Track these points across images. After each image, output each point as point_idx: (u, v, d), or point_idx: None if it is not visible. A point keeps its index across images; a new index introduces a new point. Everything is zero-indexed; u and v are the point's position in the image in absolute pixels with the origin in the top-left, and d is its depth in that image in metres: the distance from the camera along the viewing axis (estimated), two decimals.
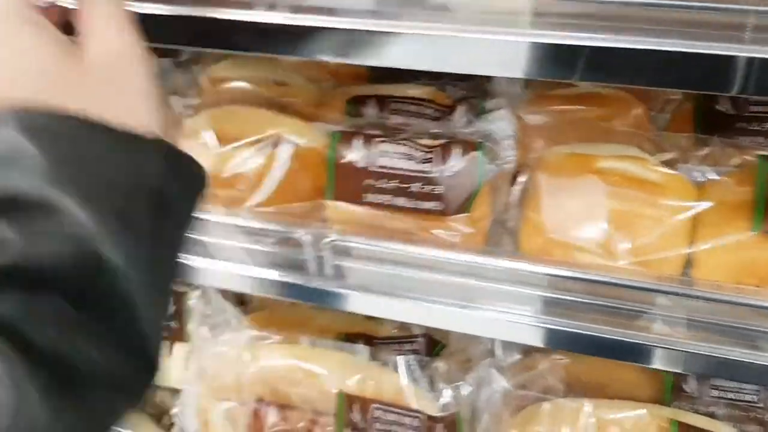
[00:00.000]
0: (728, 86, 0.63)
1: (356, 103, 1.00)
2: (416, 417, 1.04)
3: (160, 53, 1.07)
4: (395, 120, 0.96)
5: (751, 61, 0.61)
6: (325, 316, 1.25)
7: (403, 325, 1.19)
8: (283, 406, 1.14)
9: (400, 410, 1.05)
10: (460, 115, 0.96)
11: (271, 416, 1.15)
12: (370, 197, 0.89)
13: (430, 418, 1.04)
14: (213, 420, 1.18)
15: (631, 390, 1.03)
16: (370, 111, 0.98)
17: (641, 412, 0.97)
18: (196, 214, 0.56)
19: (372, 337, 1.17)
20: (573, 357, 1.06)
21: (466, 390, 1.05)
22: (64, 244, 0.45)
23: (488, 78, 1.01)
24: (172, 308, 1.30)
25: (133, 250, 0.48)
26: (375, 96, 0.99)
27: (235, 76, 1.09)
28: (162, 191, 0.51)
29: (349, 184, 0.90)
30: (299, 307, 1.29)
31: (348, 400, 1.06)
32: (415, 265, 0.89)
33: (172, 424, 1.30)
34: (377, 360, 1.13)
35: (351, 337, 1.18)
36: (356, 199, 0.91)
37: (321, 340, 1.16)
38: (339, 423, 1.08)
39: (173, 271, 0.54)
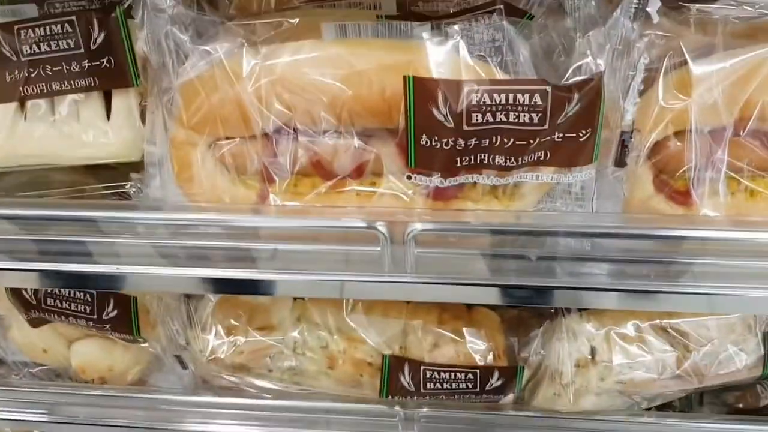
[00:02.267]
0: None
1: None
2: (535, 90, 0.67)
3: None
4: None
5: None
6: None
7: None
8: (307, 129, 0.75)
9: (518, 86, 0.68)
10: None
11: (290, 143, 0.76)
12: None
13: (560, 89, 0.67)
14: (199, 165, 0.78)
15: None
16: None
17: None
18: None
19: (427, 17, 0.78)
20: None
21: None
22: None
23: None
24: (98, 36, 0.85)
25: None
26: None
27: None
28: None
29: None
30: None
31: (422, 86, 0.68)
32: None
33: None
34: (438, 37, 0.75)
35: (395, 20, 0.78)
36: None
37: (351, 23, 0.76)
38: (410, 122, 0.69)
39: None
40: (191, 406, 1.13)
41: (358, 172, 0.77)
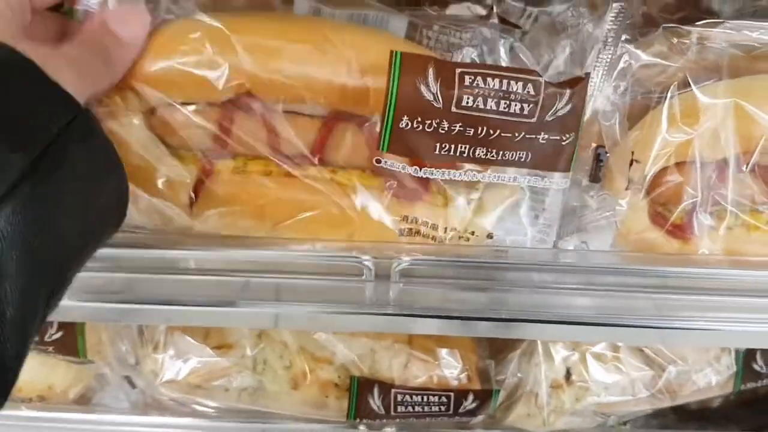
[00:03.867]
0: None
1: None
2: (529, 80, 0.64)
3: None
4: None
5: None
6: None
7: None
8: (267, 102, 0.67)
9: (507, 73, 0.64)
10: None
11: (245, 116, 0.67)
12: None
13: (552, 84, 0.65)
14: (127, 132, 0.67)
15: None
16: None
17: None
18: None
19: None
20: None
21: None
22: None
23: None
24: None
25: None
26: None
27: None
28: None
29: None
30: None
31: (411, 62, 0.63)
32: None
33: None
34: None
35: None
36: None
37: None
38: (391, 100, 0.63)
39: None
40: (139, 427, 1.05)
41: (318, 158, 0.69)
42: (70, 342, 0.93)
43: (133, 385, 1.02)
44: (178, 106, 0.65)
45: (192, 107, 0.66)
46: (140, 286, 0.70)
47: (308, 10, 0.73)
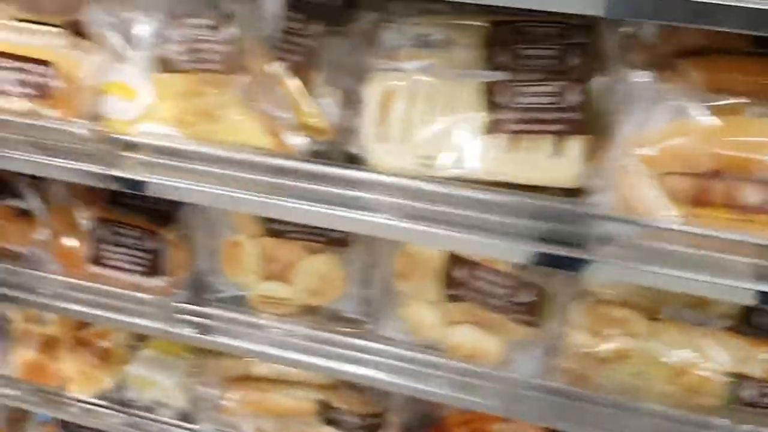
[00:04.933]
0: None
1: None
2: None
3: None
4: None
5: None
6: None
7: None
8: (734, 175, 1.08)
9: None
10: None
11: (716, 184, 1.09)
12: None
13: None
14: (648, 189, 1.12)
15: None
16: None
17: None
18: None
19: None
20: None
21: None
22: None
23: None
24: (574, 97, 1.24)
25: None
26: None
27: None
28: None
29: None
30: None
31: None
32: None
33: None
34: None
35: None
36: None
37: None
38: None
39: None
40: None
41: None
42: (537, 307, 1.36)
43: (552, 355, 1.41)
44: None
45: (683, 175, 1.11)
46: None
47: None
